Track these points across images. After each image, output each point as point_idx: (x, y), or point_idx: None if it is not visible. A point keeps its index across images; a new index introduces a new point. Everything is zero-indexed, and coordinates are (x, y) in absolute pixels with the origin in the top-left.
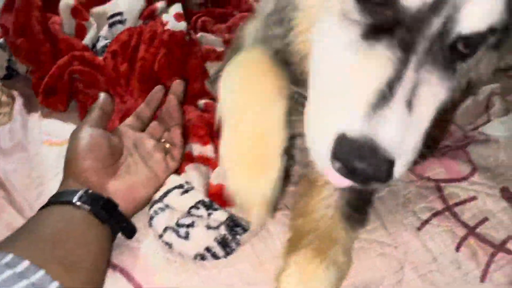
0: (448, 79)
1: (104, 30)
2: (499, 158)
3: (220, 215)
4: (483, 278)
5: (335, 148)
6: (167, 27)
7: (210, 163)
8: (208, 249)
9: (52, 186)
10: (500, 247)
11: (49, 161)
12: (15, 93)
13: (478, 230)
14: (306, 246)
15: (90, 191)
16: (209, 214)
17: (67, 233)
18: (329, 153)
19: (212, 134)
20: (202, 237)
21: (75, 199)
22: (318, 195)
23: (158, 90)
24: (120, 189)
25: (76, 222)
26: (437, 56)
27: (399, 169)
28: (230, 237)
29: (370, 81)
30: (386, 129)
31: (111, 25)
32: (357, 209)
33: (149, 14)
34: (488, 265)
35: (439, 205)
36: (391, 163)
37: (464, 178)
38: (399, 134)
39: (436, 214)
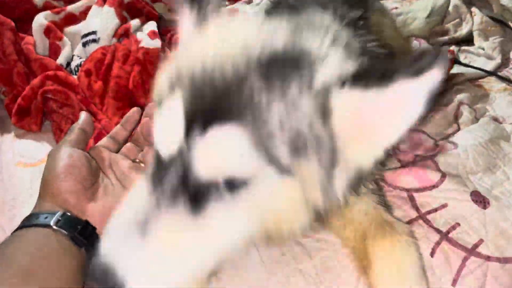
0: (197, 210)
1: (78, 49)
2: (467, 165)
3: None
4: (454, 282)
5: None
6: (142, 44)
7: None
8: None
9: (26, 208)
10: (471, 251)
11: (23, 182)
12: None
13: (450, 235)
14: (373, 239)
15: (68, 213)
16: None
17: (41, 259)
18: None
19: None
20: None
21: (52, 222)
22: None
23: (134, 112)
24: (98, 211)
25: (51, 246)
26: (180, 192)
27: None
28: None
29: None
30: (112, 255)
31: (84, 44)
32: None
33: (123, 32)
34: (460, 269)
35: (412, 214)
36: (118, 283)
37: (434, 186)
38: (126, 259)
39: (410, 222)
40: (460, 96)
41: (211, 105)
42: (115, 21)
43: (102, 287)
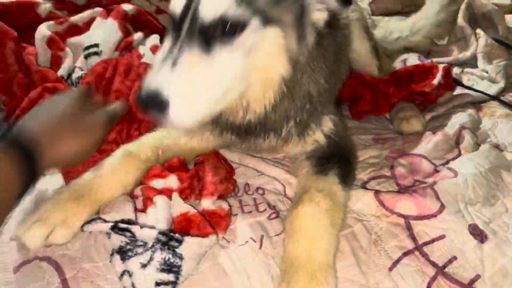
0: (208, 51)
1: (80, 61)
2: (466, 195)
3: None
4: None
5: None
6: (144, 59)
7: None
8: (158, 284)
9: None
10: (468, 287)
11: None
12: None
13: (447, 269)
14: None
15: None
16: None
17: None
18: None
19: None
20: (144, 280)
21: None
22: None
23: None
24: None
25: None
26: (195, 37)
27: (179, 108)
28: (169, 256)
29: (159, 56)
30: (153, 83)
31: (86, 56)
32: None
33: (125, 46)
34: None
35: (409, 244)
36: (164, 103)
37: (433, 216)
38: (166, 84)
39: (406, 253)
40: (462, 120)
41: None
42: (118, 34)
43: (151, 107)
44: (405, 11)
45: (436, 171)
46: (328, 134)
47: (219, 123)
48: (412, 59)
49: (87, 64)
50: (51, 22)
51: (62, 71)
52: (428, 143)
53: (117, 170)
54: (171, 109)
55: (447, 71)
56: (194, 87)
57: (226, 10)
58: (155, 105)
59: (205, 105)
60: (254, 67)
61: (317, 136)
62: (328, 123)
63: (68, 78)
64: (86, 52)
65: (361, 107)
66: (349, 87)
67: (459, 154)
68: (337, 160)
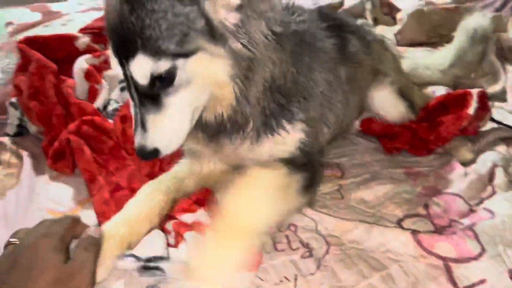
0: (159, 105)
1: (115, 94)
2: (504, 237)
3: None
4: None
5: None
6: None
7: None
8: None
9: None
10: None
11: None
12: (25, 153)
13: None
14: None
15: None
16: None
17: None
18: None
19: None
20: None
21: None
22: None
23: None
24: None
25: None
26: (143, 98)
27: (167, 146)
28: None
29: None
30: (140, 143)
31: (122, 89)
32: None
33: None
34: None
35: None
36: (155, 151)
37: (472, 259)
38: (145, 142)
39: None
40: (494, 158)
41: (122, 44)
42: None
43: (146, 157)
44: (431, 42)
45: (472, 210)
46: (300, 142)
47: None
48: (440, 91)
49: (122, 97)
50: (89, 55)
51: (98, 103)
52: (462, 183)
53: (141, 206)
54: (161, 151)
55: (482, 96)
56: (166, 130)
57: (152, 71)
58: (149, 154)
59: (180, 131)
60: (202, 88)
61: (290, 139)
62: (300, 133)
63: (103, 110)
64: (121, 85)
65: (397, 144)
66: (382, 124)
67: (494, 193)
68: (304, 169)
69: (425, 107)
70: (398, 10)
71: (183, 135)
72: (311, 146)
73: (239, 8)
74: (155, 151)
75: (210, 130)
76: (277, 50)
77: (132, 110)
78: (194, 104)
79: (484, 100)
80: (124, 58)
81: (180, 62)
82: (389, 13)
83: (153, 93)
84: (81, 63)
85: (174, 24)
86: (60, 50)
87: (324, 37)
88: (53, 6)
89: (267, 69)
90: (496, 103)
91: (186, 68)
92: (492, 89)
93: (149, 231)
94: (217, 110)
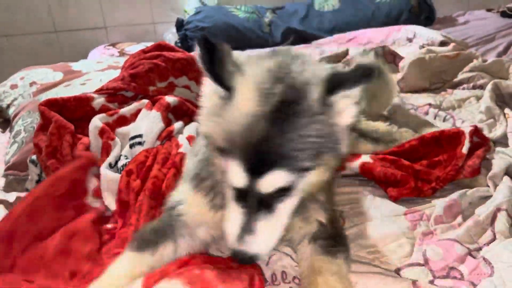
0: (272, 209)
1: (126, 150)
2: None
3: None
4: None
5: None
6: (181, 149)
7: None
8: None
9: None
10: None
11: None
12: None
13: None
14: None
15: None
16: None
17: None
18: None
19: None
20: None
21: None
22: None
23: None
24: None
25: None
26: (259, 206)
27: (263, 248)
28: None
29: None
30: (243, 247)
31: (131, 146)
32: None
33: (166, 135)
34: None
35: None
36: (255, 256)
37: None
38: (250, 248)
39: None
40: (497, 201)
41: (258, 160)
42: (160, 125)
43: (247, 261)
44: (433, 88)
45: (470, 254)
46: (329, 215)
47: None
48: None
49: (131, 153)
50: (103, 114)
51: (110, 159)
52: (459, 229)
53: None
54: (261, 255)
55: (474, 132)
56: (274, 235)
57: (283, 185)
58: (250, 259)
59: (277, 235)
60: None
61: (319, 216)
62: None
63: (115, 165)
64: (131, 142)
65: (403, 191)
66: (384, 171)
67: (494, 238)
68: (341, 243)
69: (421, 137)
70: (401, 58)
71: (278, 236)
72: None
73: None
74: (255, 256)
75: None
76: None
77: (232, 214)
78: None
79: (479, 134)
80: (257, 173)
81: (305, 174)
82: (392, 61)
83: (268, 200)
84: (96, 122)
85: (315, 145)
86: (78, 110)
87: None
88: (74, 66)
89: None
90: (498, 149)
91: (307, 178)
92: (494, 134)
93: None
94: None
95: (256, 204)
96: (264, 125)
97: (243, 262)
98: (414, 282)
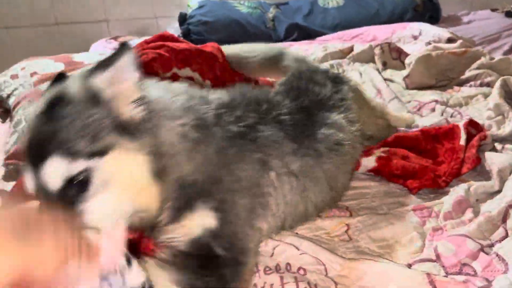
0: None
1: None
2: None
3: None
4: None
5: None
6: None
7: None
8: None
9: None
10: None
11: None
12: None
13: None
14: None
15: None
16: None
17: None
18: None
19: None
20: None
21: None
22: None
23: None
24: None
25: None
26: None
27: None
28: None
29: None
30: None
31: None
32: None
33: None
34: None
35: None
36: None
37: None
38: None
39: None
40: (509, 199)
41: (35, 151)
42: None
43: None
44: (439, 85)
45: (483, 250)
46: (208, 229)
47: None
48: None
49: None
50: None
51: None
52: (470, 225)
53: None
54: None
55: (468, 124)
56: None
57: (66, 177)
58: None
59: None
60: (122, 193)
61: (191, 226)
62: (208, 219)
63: None
64: None
65: (423, 182)
66: (401, 163)
67: (506, 235)
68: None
69: (421, 130)
70: (406, 55)
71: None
72: (228, 236)
73: (139, 103)
74: None
75: None
76: (191, 147)
77: None
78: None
79: (474, 124)
80: (37, 164)
81: (94, 162)
82: (398, 57)
83: (66, 202)
84: None
85: (84, 126)
86: None
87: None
88: (76, 57)
89: (181, 167)
90: (507, 145)
91: (102, 168)
92: (503, 131)
93: None
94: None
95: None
96: (32, 125)
97: None
98: (428, 274)
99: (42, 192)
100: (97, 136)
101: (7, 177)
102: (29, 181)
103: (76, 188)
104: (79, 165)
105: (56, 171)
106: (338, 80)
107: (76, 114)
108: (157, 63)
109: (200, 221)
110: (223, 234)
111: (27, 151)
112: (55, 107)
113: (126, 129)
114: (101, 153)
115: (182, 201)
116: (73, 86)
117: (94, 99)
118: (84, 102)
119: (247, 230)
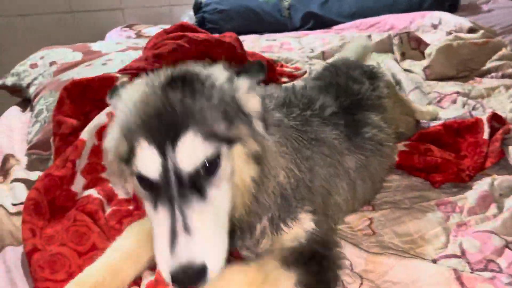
0: (205, 195)
1: None
2: None
3: None
4: None
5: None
6: None
7: None
8: None
9: None
10: None
11: None
12: None
13: None
14: None
15: None
16: None
17: None
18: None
19: None
20: None
21: None
22: None
23: None
24: None
25: None
26: (187, 191)
27: (215, 261)
28: None
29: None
30: (183, 257)
31: None
32: None
33: None
34: None
35: None
36: (203, 269)
37: None
38: (193, 253)
39: None
40: None
41: (167, 128)
42: None
43: (191, 280)
44: (460, 76)
45: (508, 247)
46: (310, 232)
47: None
48: None
49: None
50: None
51: None
52: (495, 220)
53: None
54: (210, 269)
55: (492, 118)
56: (215, 230)
57: (204, 156)
58: (197, 275)
59: (223, 239)
60: (234, 186)
61: (296, 233)
62: (308, 222)
63: None
64: None
65: (446, 176)
66: (424, 158)
67: None
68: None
69: (444, 124)
70: (426, 44)
71: (226, 241)
72: (323, 236)
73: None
74: (203, 268)
75: None
76: (284, 153)
77: (158, 221)
78: (230, 204)
79: (497, 118)
80: (170, 142)
81: (224, 149)
82: (417, 47)
83: (197, 186)
84: None
85: (224, 108)
86: (101, 90)
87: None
88: (93, 46)
89: (278, 174)
90: None
91: (229, 157)
92: None
93: None
94: (233, 211)
95: (181, 195)
96: (161, 94)
97: (190, 283)
98: (455, 270)
99: (169, 174)
100: (234, 123)
101: (30, 166)
102: (148, 160)
103: (206, 172)
104: (213, 148)
105: (195, 149)
106: (373, 76)
107: (220, 96)
108: (178, 54)
109: (304, 226)
110: (320, 233)
111: (151, 124)
112: (193, 85)
113: (254, 127)
114: (231, 141)
115: (282, 208)
116: (218, 74)
117: (232, 89)
118: (227, 91)
119: (332, 225)
